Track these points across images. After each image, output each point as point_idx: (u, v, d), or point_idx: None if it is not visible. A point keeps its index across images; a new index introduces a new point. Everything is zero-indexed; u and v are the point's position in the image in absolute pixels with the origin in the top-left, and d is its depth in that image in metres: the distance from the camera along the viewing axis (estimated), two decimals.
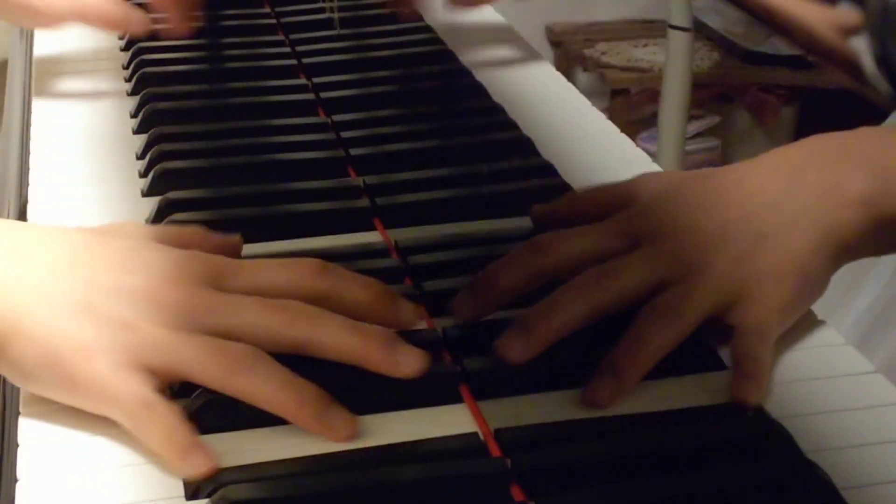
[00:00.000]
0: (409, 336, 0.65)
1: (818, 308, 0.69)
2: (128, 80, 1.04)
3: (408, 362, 0.61)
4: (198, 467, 0.56)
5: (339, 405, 0.59)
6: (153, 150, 0.87)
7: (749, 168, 0.71)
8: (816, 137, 0.71)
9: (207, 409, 0.59)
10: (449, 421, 0.60)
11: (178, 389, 0.61)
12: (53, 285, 0.61)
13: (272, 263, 0.65)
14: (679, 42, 2.10)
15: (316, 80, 1.00)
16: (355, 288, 0.64)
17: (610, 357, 0.62)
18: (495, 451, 0.57)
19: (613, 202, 0.73)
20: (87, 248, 0.64)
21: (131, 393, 0.58)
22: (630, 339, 0.63)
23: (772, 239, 0.66)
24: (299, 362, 0.60)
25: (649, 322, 0.63)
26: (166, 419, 0.58)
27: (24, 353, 0.59)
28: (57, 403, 0.61)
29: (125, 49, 1.10)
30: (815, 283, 0.67)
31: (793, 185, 0.69)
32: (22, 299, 0.60)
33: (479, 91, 0.98)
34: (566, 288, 0.65)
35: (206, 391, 0.59)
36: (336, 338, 0.61)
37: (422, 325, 0.68)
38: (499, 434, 0.58)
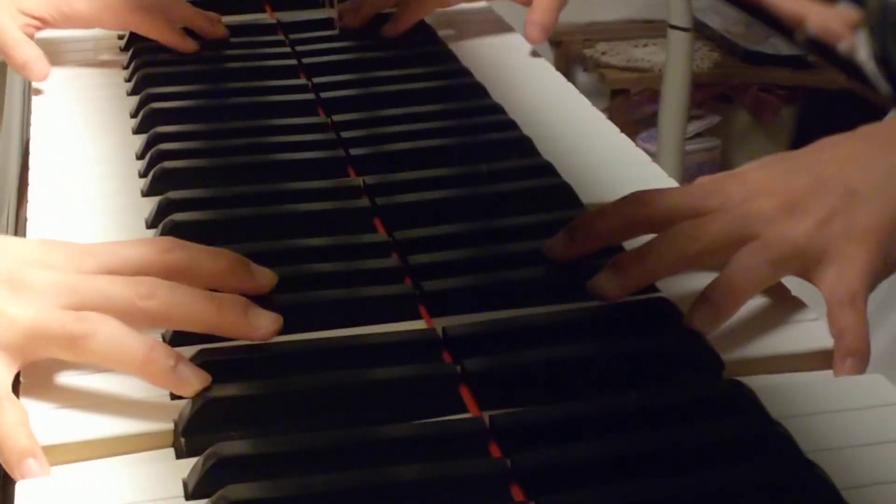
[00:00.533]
0: (409, 336, 0.66)
1: (817, 307, 0.69)
2: (128, 80, 1.04)
3: (263, 325, 0.65)
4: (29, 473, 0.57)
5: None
6: (153, 150, 0.87)
7: (838, 138, 0.73)
8: (886, 123, 0.75)
9: (206, 410, 0.59)
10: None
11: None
12: None
13: (126, 243, 0.68)
14: (679, 42, 2.10)
15: (316, 80, 1.00)
16: (209, 259, 0.67)
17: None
18: (495, 451, 0.57)
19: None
20: None
21: (69, 316, 0.61)
22: (721, 281, 0.67)
23: (863, 197, 0.68)
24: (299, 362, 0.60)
25: (737, 269, 0.67)
26: (13, 415, 0.59)
27: None
28: (56, 406, 0.61)
29: (125, 49, 1.10)
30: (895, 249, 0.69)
31: (877, 154, 0.70)
32: None
33: (479, 91, 0.98)
34: (659, 237, 0.69)
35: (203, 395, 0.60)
36: (192, 308, 0.64)
37: (422, 325, 0.68)
38: (495, 424, 0.58)
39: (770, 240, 0.68)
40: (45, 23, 1.05)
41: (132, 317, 0.62)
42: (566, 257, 0.71)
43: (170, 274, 0.65)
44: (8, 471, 0.58)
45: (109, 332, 0.61)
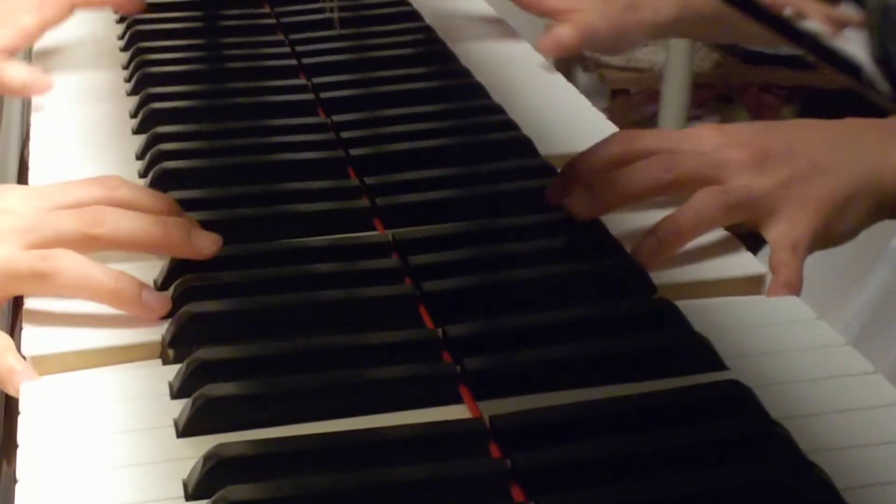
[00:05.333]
0: (409, 336, 0.66)
1: (818, 308, 0.69)
2: (128, 80, 1.04)
3: (204, 245, 0.70)
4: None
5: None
6: (153, 150, 0.87)
7: (820, 121, 0.80)
8: (867, 119, 0.80)
9: (205, 410, 0.59)
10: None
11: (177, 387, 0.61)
12: None
13: (74, 182, 0.74)
14: (679, 42, 2.10)
15: (316, 80, 1.00)
16: (150, 198, 0.73)
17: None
18: (495, 451, 0.57)
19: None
20: None
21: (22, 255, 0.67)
22: (681, 212, 0.73)
23: (824, 171, 0.75)
24: (298, 360, 0.60)
25: (702, 202, 0.73)
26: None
27: None
28: (56, 406, 0.61)
29: (125, 49, 1.10)
30: (850, 223, 0.75)
31: (851, 141, 0.77)
32: None
33: (479, 91, 0.98)
34: (635, 165, 0.75)
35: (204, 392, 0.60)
36: (139, 230, 0.69)
37: (422, 325, 0.68)
38: (495, 424, 0.58)
39: (731, 187, 0.74)
40: (9, 52, 1.04)
41: (86, 245, 0.68)
42: (560, 199, 0.76)
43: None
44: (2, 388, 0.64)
45: (75, 266, 0.66)
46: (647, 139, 0.78)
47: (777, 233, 0.73)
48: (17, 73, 1.02)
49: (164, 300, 0.67)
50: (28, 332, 0.67)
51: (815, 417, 0.60)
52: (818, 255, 0.95)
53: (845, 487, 0.54)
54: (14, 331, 0.70)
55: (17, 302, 0.70)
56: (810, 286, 0.71)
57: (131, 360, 0.65)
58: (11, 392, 0.63)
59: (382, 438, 0.58)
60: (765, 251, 0.74)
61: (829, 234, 0.75)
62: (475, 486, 0.55)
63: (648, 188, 0.75)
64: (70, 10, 1.08)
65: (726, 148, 0.76)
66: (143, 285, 0.67)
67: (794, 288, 0.71)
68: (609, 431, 0.58)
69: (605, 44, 1.09)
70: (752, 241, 0.75)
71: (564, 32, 1.06)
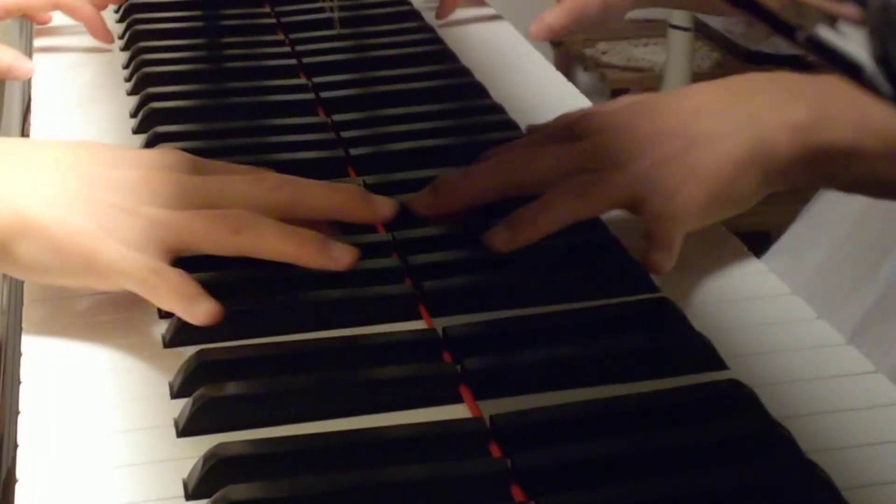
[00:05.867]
0: (409, 336, 0.66)
1: (821, 309, 0.69)
2: (128, 79, 1.04)
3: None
4: (205, 313, 0.64)
5: (336, 241, 0.68)
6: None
7: (698, 87, 0.77)
8: (767, 72, 0.78)
9: (205, 410, 0.59)
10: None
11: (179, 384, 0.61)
12: (51, 183, 0.67)
13: (239, 166, 0.72)
14: (679, 42, 2.10)
15: (316, 80, 1.00)
16: (319, 193, 0.71)
17: (512, 214, 0.70)
18: (495, 451, 0.57)
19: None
20: (69, 150, 0.70)
21: (141, 264, 0.65)
22: (535, 203, 0.70)
23: (701, 144, 0.71)
24: (298, 359, 0.60)
25: (556, 194, 0.70)
26: (173, 277, 0.64)
27: (36, 247, 0.65)
28: (56, 406, 0.61)
29: (125, 49, 1.10)
30: (736, 194, 0.72)
31: (735, 102, 0.74)
32: (24, 200, 0.66)
33: (479, 91, 0.98)
34: (485, 164, 0.74)
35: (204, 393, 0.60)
36: (319, 196, 0.69)
37: (422, 325, 0.68)
38: (495, 424, 0.58)
39: (598, 178, 0.71)
40: None
41: (258, 205, 0.67)
42: (429, 215, 0.74)
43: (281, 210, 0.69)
44: (187, 319, 0.64)
45: (262, 225, 0.66)
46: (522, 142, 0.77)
47: (654, 208, 0.70)
48: (3, 56, 1.02)
49: (351, 251, 0.67)
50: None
51: (815, 417, 0.60)
52: (824, 254, 0.95)
53: (845, 487, 0.54)
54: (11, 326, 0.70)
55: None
56: (816, 284, 0.71)
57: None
58: (192, 321, 0.64)
59: (382, 438, 0.58)
60: (766, 254, 0.73)
61: (717, 205, 0.71)
62: (475, 486, 0.55)
63: (501, 188, 0.73)
64: (52, 5, 1.10)
65: (600, 133, 0.73)
66: (327, 239, 0.67)
67: (670, 253, 0.69)
68: (609, 431, 0.58)
69: (595, 18, 1.06)
70: (753, 241, 0.75)
71: (551, 14, 1.04)
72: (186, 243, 0.66)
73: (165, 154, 0.71)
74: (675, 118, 0.73)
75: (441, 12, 1.13)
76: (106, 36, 1.10)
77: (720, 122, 0.72)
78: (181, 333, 0.65)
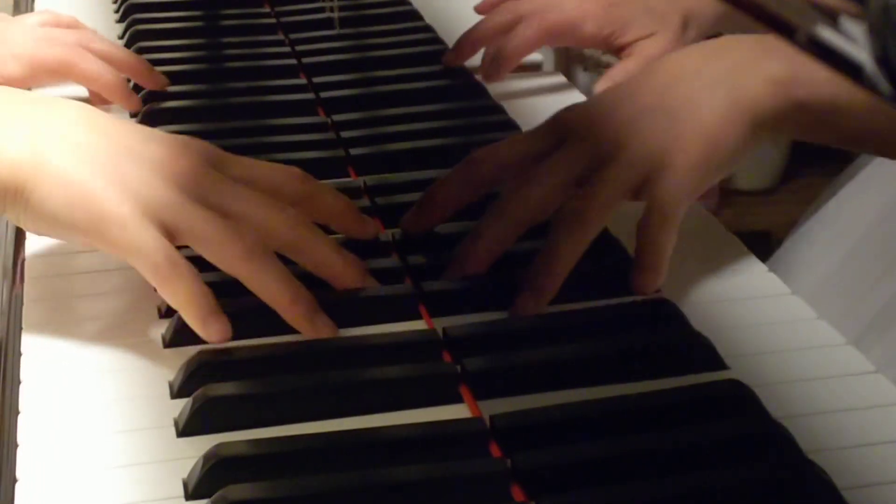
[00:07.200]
0: (409, 336, 0.66)
1: (824, 310, 0.69)
2: (128, 79, 1.04)
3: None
4: (216, 333, 0.63)
5: (324, 313, 0.65)
6: None
7: (672, 55, 0.76)
8: (736, 35, 0.76)
9: (205, 410, 0.59)
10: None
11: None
12: (77, 136, 0.66)
13: (263, 163, 0.71)
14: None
15: (316, 80, 1.00)
16: (330, 197, 0.71)
17: (528, 273, 0.68)
18: (496, 450, 0.57)
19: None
20: (104, 117, 0.69)
21: (158, 246, 0.63)
22: (544, 253, 0.68)
23: (681, 110, 0.70)
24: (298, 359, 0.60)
25: (557, 233, 0.68)
26: (190, 282, 0.63)
27: (50, 194, 0.64)
28: (56, 406, 0.61)
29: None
30: (724, 151, 0.70)
31: (707, 62, 0.73)
32: (48, 146, 0.65)
33: (479, 91, 0.98)
34: (489, 212, 0.70)
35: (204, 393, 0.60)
36: (324, 253, 0.67)
37: (422, 325, 0.68)
38: (495, 424, 0.58)
39: (590, 192, 0.69)
40: None
41: (268, 238, 0.66)
42: (420, 232, 0.73)
43: (296, 201, 0.69)
44: (193, 325, 0.63)
45: (270, 264, 0.64)
46: (498, 154, 0.74)
47: (652, 192, 0.68)
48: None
49: (333, 328, 0.65)
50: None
51: (815, 417, 0.60)
52: (838, 255, 0.94)
53: (845, 487, 0.54)
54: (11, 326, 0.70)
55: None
56: (828, 286, 0.70)
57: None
58: (206, 335, 0.64)
59: (382, 438, 0.58)
60: (771, 257, 0.72)
61: (710, 168, 0.70)
62: (475, 486, 0.55)
63: (513, 232, 0.70)
64: (61, 74, 0.95)
65: (582, 139, 0.71)
66: (318, 307, 0.65)
67: (658, 272, 0.68)
68: (609, 431, 0.58)
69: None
70: (753, 241, 0.75)
71: (622, 70, 0.97)
72: (195, 239, 0.64)
73: (193, 141, 0.69)
74: (651, 94, 0.72)
75: (491, 74, 1.01)
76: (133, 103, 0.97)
77: (697, 86, 0.71)
78: (181, 333, 0.65)
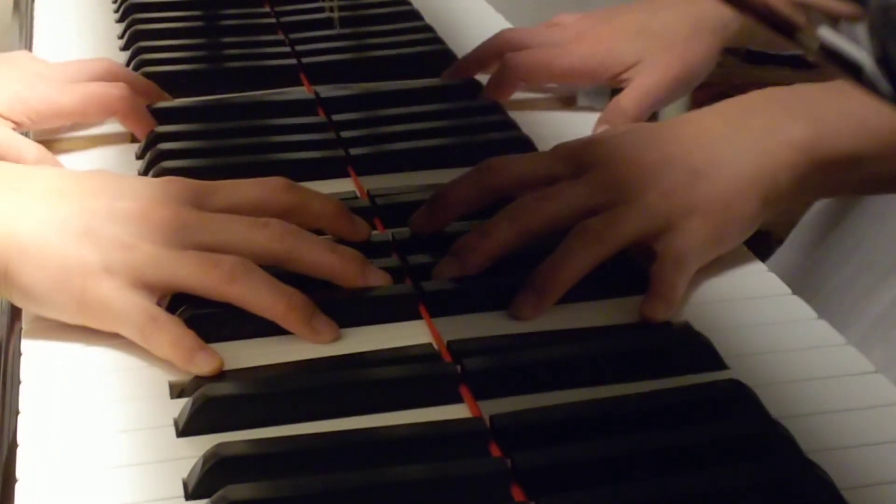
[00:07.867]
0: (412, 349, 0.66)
1: (828, 312, 0.69)
2: None
3: (376, 280, 0.68)
4: (205, 366, 0.63)
5: (322, 313, 0.65)
6: (153, 149, 0.87)
7: (696, 114, 0.76)
8: (763, 90, 0.76)
9: (205, 410, 0.59)
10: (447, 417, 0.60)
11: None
12: (51, 213, 0.66)
13: (244, 182, 0.71)
14: None
15: (316, 79, 1.00)
16: (318, 202, 0.71)
17: (533, 275, 0.67)
18: (496, 451, 0.57)
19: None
20: (73, 179, 0.70)
21: (137, 309, 0.64)
22: (554, 258, 0.68)
23: (704, 176, 0.71)
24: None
25: (572, 243, 0.68)
26: (171, 329, 0.63)
27: (34, 279, 0.65)
28: (56, 406, 0.61)
29: (125, 49, 1.10)
30: (740, 222, 0.71)
31: (734, 129, 0.73)
32: (24, 229, 0.65)
33: (479, 91, 0.98)
34: (499, 214, 0.70)
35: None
36: (317, 254, 0.67)
37: (422, 325, 0.68)
38: (495, 424, 0.58)
39: (611, 219, 0.69)
40: (18, 125, 0.88)
41: (257, 256, 0.66)
42: (428, 232, 0.73)
43: (284, 212, 0.69)
44: (187, 371, 0.63)
45: (256, 278, 0.65)
46: (516, 167, 0.74)
47: (665, 244, 0.69)
48: (29, 152, 0.86)
49: (334, 328, 0.65)
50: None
51: (815, 417, 0.60)
52: (838, 259, 0.94)
53: (845, 487, 0.54)
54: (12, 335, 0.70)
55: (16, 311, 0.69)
56: (828, 288, 0.70)
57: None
58: (193, 369, 0.63)
59: (382, 438, 0.58)
60: (771, 257, 0.72)
61: (721, 239, 0.71)
62: (475, 485, 0.55)
63: (516, 238, 0.69)
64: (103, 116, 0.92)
65: (601, 167, 0.72)
66: (315, 309, 0.65)
67: (669, 304, 0.67)
68: (609, 431, 0.58)
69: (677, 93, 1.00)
70: (753, 241, 0.75)
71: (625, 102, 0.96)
72: (179, 284, 0.65)
73: (168, 184, 0.70)
74: (677, 146, 0.72)
75: (498, 92, 0.97)
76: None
77: (721, 154, 0.72)
78: None
